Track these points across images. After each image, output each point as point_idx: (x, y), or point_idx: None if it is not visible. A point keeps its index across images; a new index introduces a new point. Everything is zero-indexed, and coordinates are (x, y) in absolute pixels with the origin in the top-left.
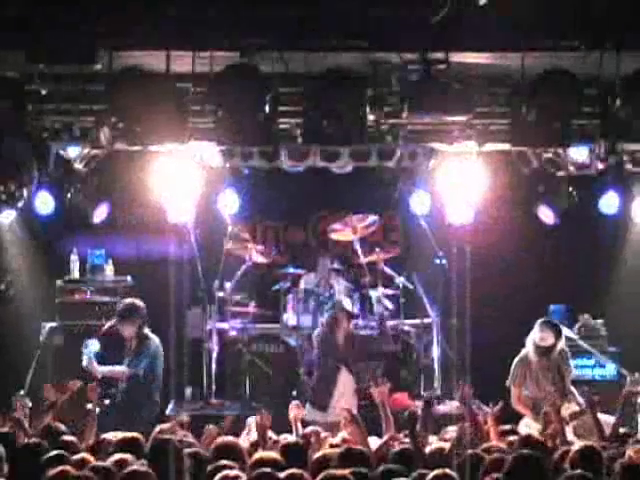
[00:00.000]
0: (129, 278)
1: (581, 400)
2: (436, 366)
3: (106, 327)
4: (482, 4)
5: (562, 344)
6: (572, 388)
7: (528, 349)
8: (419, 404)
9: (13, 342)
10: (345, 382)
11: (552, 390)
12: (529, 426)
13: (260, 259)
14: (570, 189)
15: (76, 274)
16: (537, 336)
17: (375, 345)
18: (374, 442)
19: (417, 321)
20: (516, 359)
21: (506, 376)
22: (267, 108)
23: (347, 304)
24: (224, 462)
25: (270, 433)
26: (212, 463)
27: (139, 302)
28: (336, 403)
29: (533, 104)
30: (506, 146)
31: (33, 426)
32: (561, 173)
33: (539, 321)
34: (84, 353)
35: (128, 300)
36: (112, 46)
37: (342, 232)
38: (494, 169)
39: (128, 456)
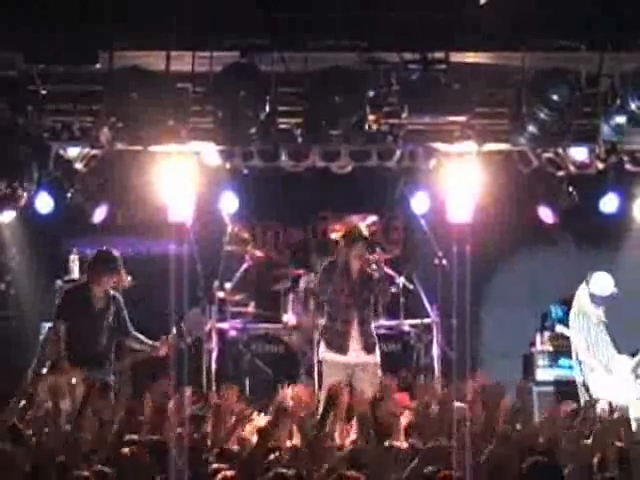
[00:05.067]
0: (129, 278)
1: None
2: (436, 366)
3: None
4: (482, 4)
5: None
6: None
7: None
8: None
9: (13, 342)
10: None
11: None
12: None
13: (259, 253)
14: (570, 189)
15: (76, 274)
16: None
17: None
18: None
19: (417, 321)
20: None
21: (505, 374)
22: (267, 108)
23: (365, 230)
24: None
25: None
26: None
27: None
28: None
29: (533, 104)
30: (506, 146)
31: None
32: (561, 173)
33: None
34: None
35: (104, 250)
36: (112, 46)
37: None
38: (494, 169)
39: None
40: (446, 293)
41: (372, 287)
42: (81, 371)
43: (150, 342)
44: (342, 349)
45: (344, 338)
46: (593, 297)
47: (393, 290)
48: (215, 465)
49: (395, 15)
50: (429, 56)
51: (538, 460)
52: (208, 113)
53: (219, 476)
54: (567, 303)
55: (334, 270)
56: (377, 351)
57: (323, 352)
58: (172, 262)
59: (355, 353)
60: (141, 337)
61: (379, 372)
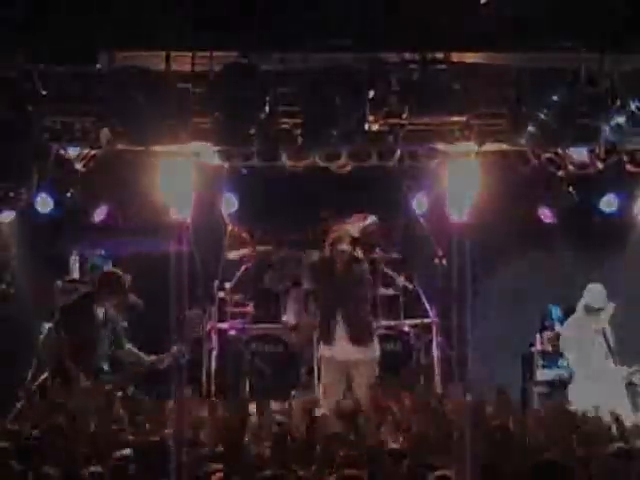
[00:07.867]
0: (129, 278)
1: None
2: (436, 366)
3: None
4: (482, 4)
5: None
6: None
7: None
8: None
9: (13, 342)
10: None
11: None
12: None
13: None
14: (570, 189)
15: (76, 274)
16: None
17: None
18: None
19: (417, 321)
20: None
21: (505, 374)
22: (267, 108)
23: (354, 231)
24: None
25: None
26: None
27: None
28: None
29: (533, 104)
30: (506, 146)
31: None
32: (561, 173)
33: None
34: None
35: (111, 271)
36: (112, 46)
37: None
38: (494, 169)
39: None
40: (446, 293)
41: (360, 278)
42: (84, 377)
43: (145, 357)
44: (329, 342)
45: (330, 332)
46: (587, 307)
47: (390, 292)
48: (213, 466)
49: (395, 15)
50: (429, 56)
51: (543, 459)
52: (208, 113)
53: (214, 478)
54: (566, 303)
55: (319, 267)
56: (372, 347)
57: (320, 349)
58: (172, 262)
59: (344, 348)
60: (136, 351)
61: (376, 370)
